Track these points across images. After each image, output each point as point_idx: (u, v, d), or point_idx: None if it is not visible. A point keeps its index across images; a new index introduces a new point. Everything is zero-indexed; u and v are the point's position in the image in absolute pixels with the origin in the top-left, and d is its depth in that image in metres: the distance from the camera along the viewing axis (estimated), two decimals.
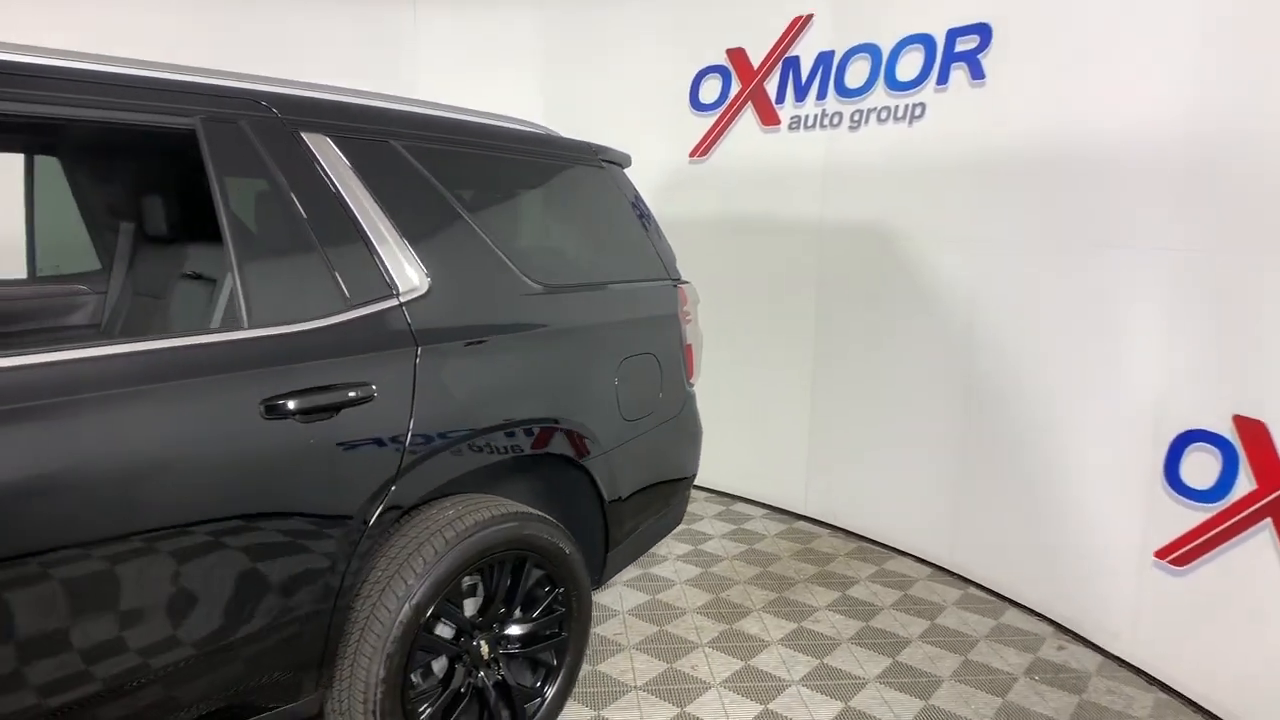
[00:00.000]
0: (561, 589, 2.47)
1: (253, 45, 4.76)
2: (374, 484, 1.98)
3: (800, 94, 4.24)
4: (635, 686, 2.87)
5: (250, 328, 1.82)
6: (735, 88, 4.49)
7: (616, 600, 3.51)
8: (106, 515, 1.59)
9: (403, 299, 2.09)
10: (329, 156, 2.05)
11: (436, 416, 2.11)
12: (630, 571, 3.75)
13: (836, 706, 2.79)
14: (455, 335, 2.18)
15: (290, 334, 1.88)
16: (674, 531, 4.13)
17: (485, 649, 2.34)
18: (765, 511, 4.63)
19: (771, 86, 4.35)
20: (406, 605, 2.05)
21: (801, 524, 4.47)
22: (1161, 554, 2.95)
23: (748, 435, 4.57)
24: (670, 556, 3.99)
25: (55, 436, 1.53)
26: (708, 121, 4.61)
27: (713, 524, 4.43)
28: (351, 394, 1.92)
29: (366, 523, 1.99)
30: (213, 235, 2.14)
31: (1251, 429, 2.63)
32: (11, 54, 1.64)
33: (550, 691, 2.50)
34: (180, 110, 1.84)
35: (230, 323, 1.88)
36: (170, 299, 2.59)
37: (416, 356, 2.08)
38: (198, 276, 2.52)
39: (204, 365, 1.76)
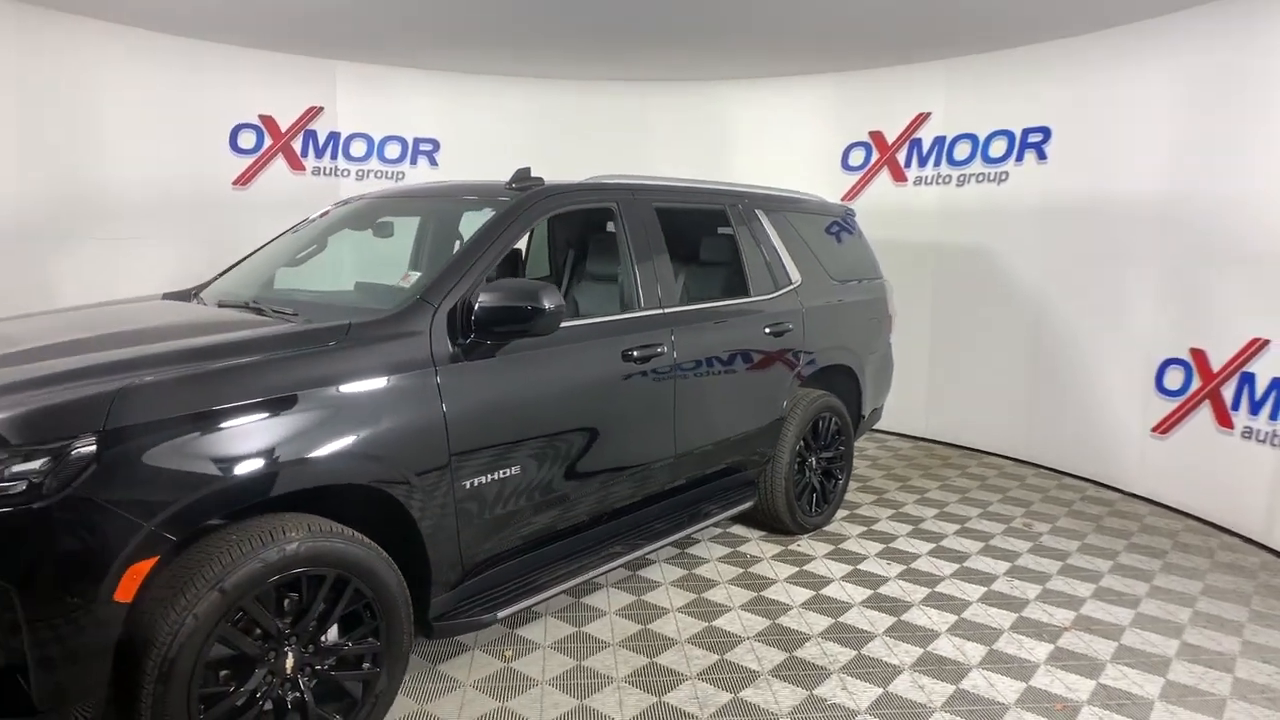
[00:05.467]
0: (844, 436, 4.82)
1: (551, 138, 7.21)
2: (794, 368, 4.35)
3: (922, 163, 6.62)
4: (855, 512, 5.23)
5: (753, 296, 4.19)
6: (875, 156, 6.87)
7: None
8: (723, 361, 3.93)
9: (794, 285, 4.46)
10: (765, 221, 4.42)
11: (810, 343, 4.46)
12: None
13: (976, 510, 5.14)
14: (813, 303, 4.54)
15: (763, 299, 4.25)
16: None
17: (814, 461, 4.68)
18: (896, 437, 6.98)
19: (901, 156, 6.73)
20: (796, 431, 4.40)
21: (922, 442, 6.82)
22: (1155, 429, 5.30)
23: None
24: None
25: (714, 334, 3.89)
26: (854, 178, 7.00)
27: (863, 443, 6.77)
28: (788, 326, 4.29)
29: (793, 386, 4.35)
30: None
31: (1198, 354, 4.99)
32: (664, 181, 4.02)
33: (839, 484, 4.83)
34: (719, 204, 4.22)
35: (738, 294, 4.20)
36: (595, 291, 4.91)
37: (803, 313, 4.44)
38: (607, 279, 4.82)
39: (742, 311, 4.12)
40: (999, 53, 6.07)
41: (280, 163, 6.87)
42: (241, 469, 2.22)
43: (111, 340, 2.54)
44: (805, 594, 3.90)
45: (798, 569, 4.18)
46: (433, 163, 7.43)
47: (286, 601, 2.37)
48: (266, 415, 2.30)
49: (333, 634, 2.48)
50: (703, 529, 4.07)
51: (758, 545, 4.48)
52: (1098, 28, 5.43)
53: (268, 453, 2.27)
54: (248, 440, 2.24)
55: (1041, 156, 5.91)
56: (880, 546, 4.51)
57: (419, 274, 3.10)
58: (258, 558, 2.21)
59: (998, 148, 6.16)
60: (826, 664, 3.26)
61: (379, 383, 2.57)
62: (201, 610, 2.11)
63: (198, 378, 2.23)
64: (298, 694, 2.39)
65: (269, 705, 2.33)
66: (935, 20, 5.39)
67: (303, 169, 6.97)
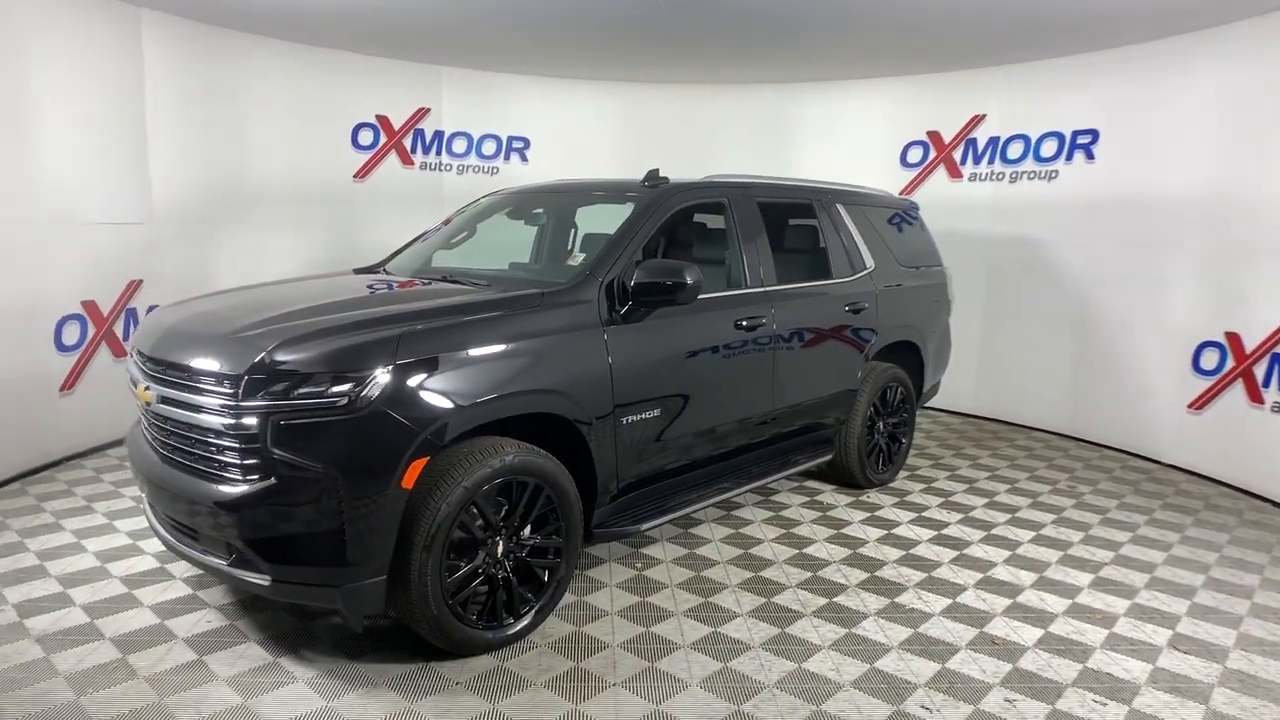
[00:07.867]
0: (908, 405, 5.46)
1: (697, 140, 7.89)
2: (868, 342, 5.00)
3: (977, 160, 7.20)
4: (918, 477, 5.87)
5: (835, 279, 4.85)
6: (932, 154, 7.46)
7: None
8: (812, 333, 4.60)
9: (869, 270, 5.10)
10: (844, 213, 5.07)
11: (883, 322, 5.11)
12: None
13: (1024, 474, 5.75)
14: (884, 286, 5.18)
15: (844, 282, 4.90)
16: None
17: (882, 425, 5.33)
18: (948, 414, 7.59)
19: (957, 155, 7.31)
20: (868, 397, 5.06)
21: (972, 418, 7.42)
22: (1191, 405, 5.86)
23: None
24: None
25: (805, 309, 4.56)
26: (912, 174, 7.59)
27: (918, 419, 7.36)
28: (864, 305, 4.95)
29: (866, 357, 5.00)
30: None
31: (1233, 337, 5.55)
32: (764, 179, 4.69)
33: (903, 446, 5.48)
34: (807, 199, 4.89)
35: (823, 276, 4.86)
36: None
37: (876, 294, 5.08)
38: (715, 261, 5.49)
39: (827, 291, 4.77)
40: (1051, 60, 6.63)
41: (393, 158, 7.65)
42: (486, 396, 2.96)
43: (362, 302, 3.29)
44: (878, 532, 4.56)
45: (870, 514, 4.85)
46: (524, 159, 8.16)
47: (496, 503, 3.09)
48: (502, 358, 3.05)
49: (527, 531, 3.20)
50: (789, 475, 4.76)
51: (833, 496, 5.15)
52: (1143, 39, 5.98)
53: (503, 384, 3.02)
54: (489, 375, 2.98)
55: (1090, 156, 6.47)
56: (940, 500, 5.15)
57: (584, 255, 3.81)
58: (487, 464, 2.95)
59: (1049, 148, 6.73)
60: (902, 581, 3.93)
61: (570, 337, 3.29)
62: (452, 500, 2.85)
63: (453, 327, 2.97)
64: (504, 574, 3.12)
65: (482, 582, 3.07)
66: (993, 30, 5.97)
67: (412, 164, 7.74)
